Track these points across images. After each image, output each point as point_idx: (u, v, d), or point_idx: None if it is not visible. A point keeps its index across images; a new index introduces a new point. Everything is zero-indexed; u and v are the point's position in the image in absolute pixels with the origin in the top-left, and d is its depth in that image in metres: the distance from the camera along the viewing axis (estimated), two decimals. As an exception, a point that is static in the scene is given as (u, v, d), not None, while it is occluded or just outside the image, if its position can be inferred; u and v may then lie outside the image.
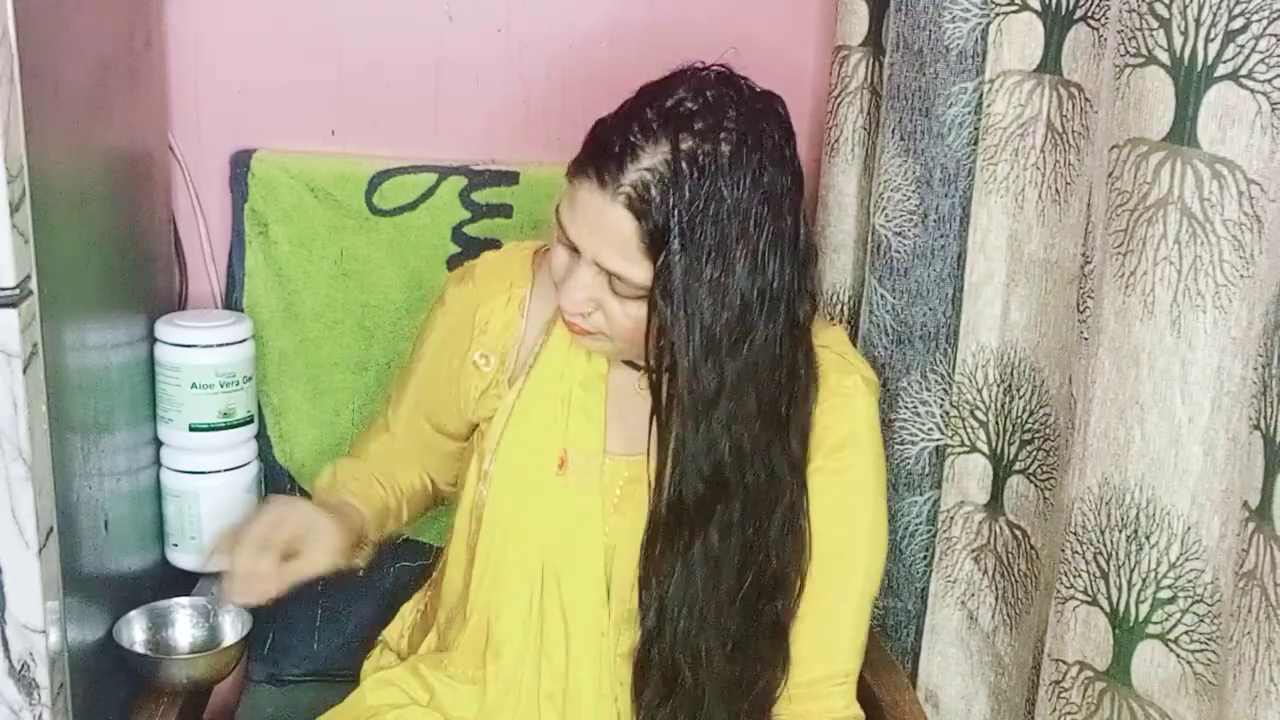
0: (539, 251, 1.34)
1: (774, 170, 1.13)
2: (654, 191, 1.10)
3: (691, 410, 1.16)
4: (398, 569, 1.67)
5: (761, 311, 1.15)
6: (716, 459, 1.18)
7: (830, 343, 1.29)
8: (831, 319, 1.67)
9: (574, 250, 1.16)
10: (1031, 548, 1.45)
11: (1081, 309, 1.27)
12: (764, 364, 1.17)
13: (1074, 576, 1.26)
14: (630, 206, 1.11)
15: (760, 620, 1.24)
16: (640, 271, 1.13)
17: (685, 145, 1.10)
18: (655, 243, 1.11)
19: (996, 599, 1.52)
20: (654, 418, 1.20)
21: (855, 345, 1.58)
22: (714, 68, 1.17)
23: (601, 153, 1.12)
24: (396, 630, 1.47)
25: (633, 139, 1.11)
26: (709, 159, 1.10)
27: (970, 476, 1.52)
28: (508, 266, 1.33)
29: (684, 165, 1.10)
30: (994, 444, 1.49)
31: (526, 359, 1.31)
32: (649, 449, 1.21)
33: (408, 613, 1.47)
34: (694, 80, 1.15)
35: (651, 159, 1.10)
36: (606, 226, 1.12)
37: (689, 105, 1.12)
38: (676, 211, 1.10)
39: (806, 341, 1.23)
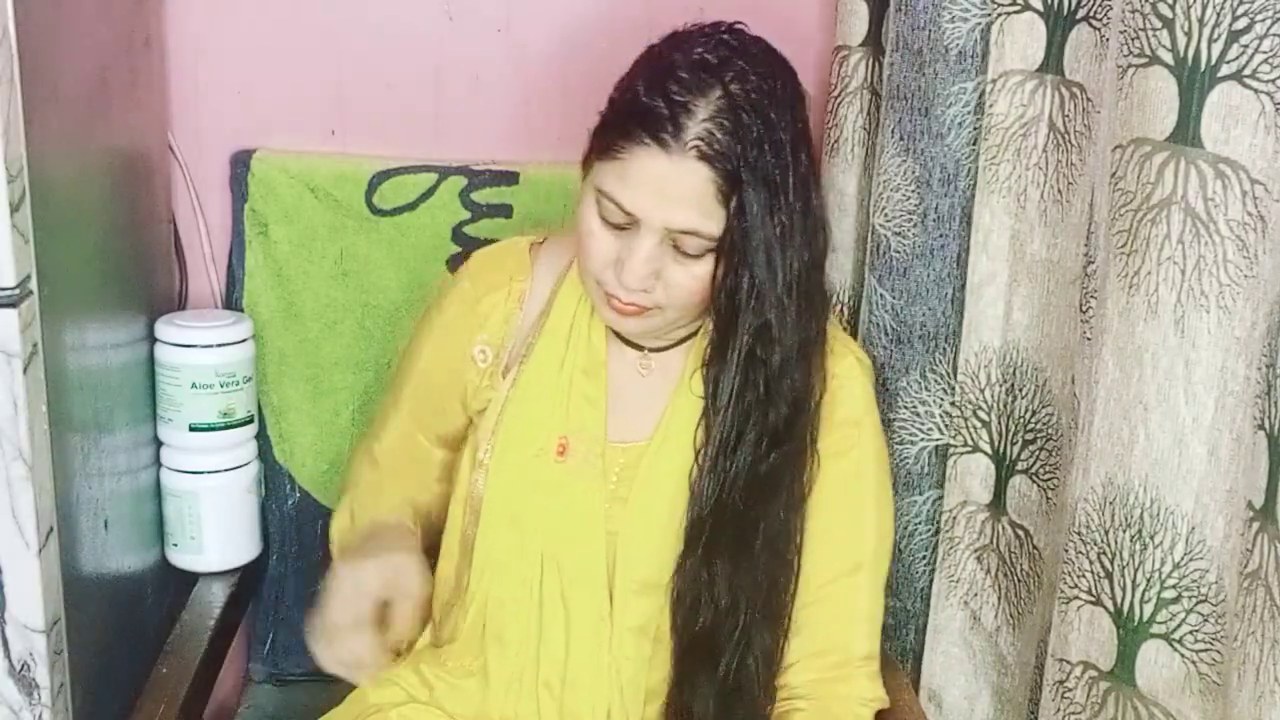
0: (535, 245, 1.35)
1: (798, 99, 1.19)
2: (721, 137, 1.13)
3: (777, 334, 1.20)
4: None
5: (811, 237, 1.20)
6: (795, 378, 1.22)
7: None
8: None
9: (620, 228, 1.18)
10: (1034, 547, 1.45)
11: (1084, 309, 1.27)
12: (817, 281, 1.23)
13: (1078, 576, 1.26)
14: (703, 158, 1.13)
15: (793, 530, 1.27)
16: (714, 223, 1.15)
17: (733, 88, 1.14)
18: (730, 188, 1.14)
19: (999, 599, 1.52)
20: (707, 368, 1.24)
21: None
22: (695, 26, 1.21)
23: (649, 119, 1.14)
24: None
25: (680, 97, 1.13)
26: (757, 95, 1.14)
27: (973, 476, 1.52)
28: (504, 260, 1.35)
29: (741, 106, 1.13)
30: (996, 444, 1.49)
31: (520, 349, 1.31)
32: (710, 401, 1.24)
33: None
34: (695, 37, 1.19)
35: (708, 109, 1.13)
36: (677, 186, 1.14)
37: (711, 57, 1.16)
38: (743, 152, 1.13)
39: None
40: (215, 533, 1.54)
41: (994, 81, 1.41)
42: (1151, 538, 1.19)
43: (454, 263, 1.63)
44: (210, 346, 1.50)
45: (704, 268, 1.18)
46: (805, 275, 1.20)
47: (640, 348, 1.31)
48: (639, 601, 1.29)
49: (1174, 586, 1.19)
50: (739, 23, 1.20)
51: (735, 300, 1.18)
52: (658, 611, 1.29)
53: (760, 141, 1.14)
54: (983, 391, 1.49)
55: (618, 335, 1.31)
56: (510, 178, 1.64)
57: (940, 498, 1.55)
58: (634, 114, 1.15)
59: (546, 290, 1.32)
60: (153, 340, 1.51)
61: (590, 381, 1.31)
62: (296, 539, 1.66)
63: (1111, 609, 1.23)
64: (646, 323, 1.24)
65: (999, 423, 1.49)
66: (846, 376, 1.30)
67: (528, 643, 1.31)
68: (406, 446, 1.39)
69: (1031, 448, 1.44)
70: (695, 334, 1.31)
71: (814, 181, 1.21)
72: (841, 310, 1.66)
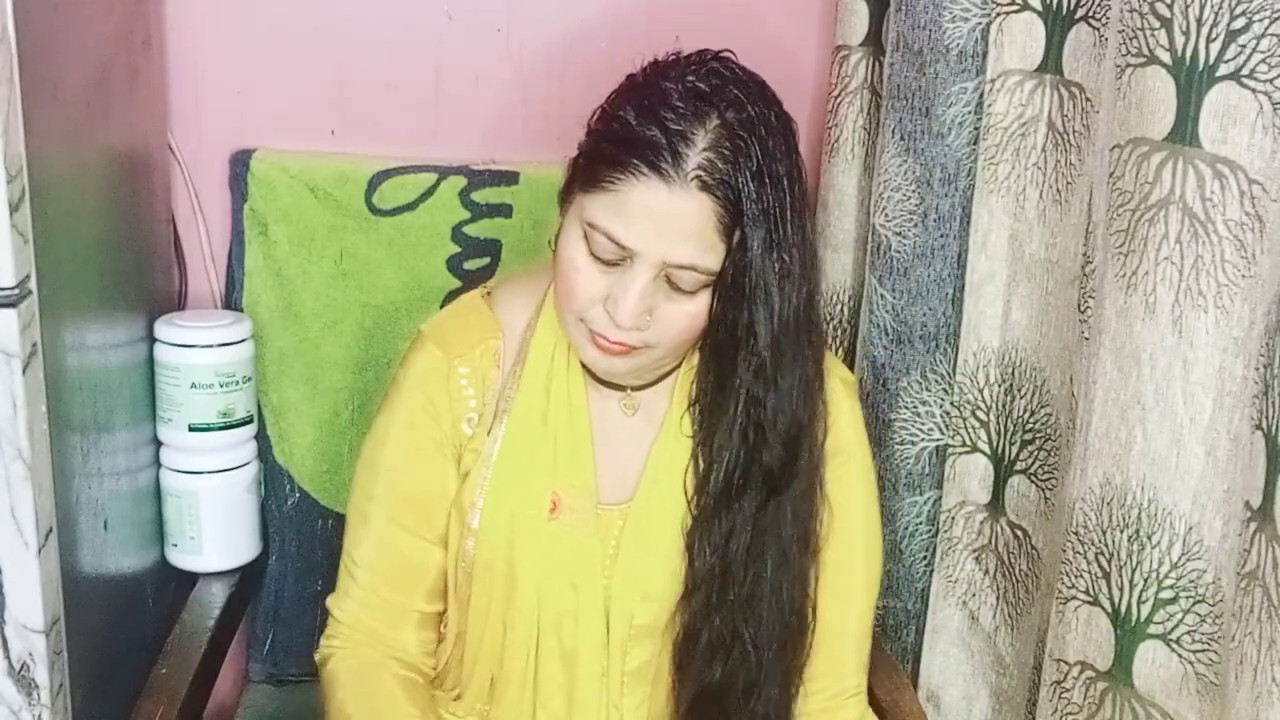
0: (487, 296, 1.30)
1: (790, 129, 1.15)
2: (722, 167, 1.08)
3: (772, 373, 1.16)
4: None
5: (809, 271, 1.16)
6: (792, 418, 1.19)
7: None
8: (831, 318, 1.68)
9: (610, 264, 1.13)
10: (1033, 548, 1.45)
11: (1083, 309, 1.27)
12: (814, 318, 1.19)
13: (1075, 576, 1.26)
14: (705, 189, 1.08)
15: (805, 578, 1.25)
16: (713, 257, 1.11)
17: (729, 116, 1.10)
18: (731, 220, 1.10)
19: (998, 599, 1.52)
20: (697, 407, 1.22)
21: (856, 345, 1.59)
22: (678, 55, 1.17)
23: (646, 148, 1.09)
24: None
25: (676, 126, 1.09)
26: (753, 123, 1.10)
27: (971, 476, 1.52)
28: (468, 321, 1.28)
29: (739, 134, 1.09)
30: (995, 444, 1.49)
31: (502, 406, 1.25)
32: (705, 442, 1.21)
33: None
34: (683, 66, 1.15)
35: (706, 139, 1.09)
36: (678, 218, 1.09)
37: (703, 85, 1.11)
38: (744, 181, 1.09)
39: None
40: (215, 533, 1.54)
41: (993, 81, 1.41)
42: (1149, 538, 1.19)
43: (454, 262, 1.63)
44: (210, 346, 1.50)
45: (697, 305, 1.14)
46: (803, 311, 1.16)
47: (622, 387, 1.27)
48: (637, 648, 1.27)
49: (1171, 587, 1.19)
50: (726, 50, 1.16)
51: (735, 337, 1.14)
52: (656, 653, 1.28)
53: (760, 172, 1.09)
54: (981, 391, 1.49)
55: (594, 377, 1.26)
56: (510, 178, 1.64)
57: (941, 498, 1.56)
58: (627, 143, 1.10)
59: (516, 340, 1.26)
60: (152, 340, 1.51)
61: (575, 432, 1.25)
62: (296, 539, 1.66)
63: (1109, 609, 1.23)
64: (632, 363, 1.19)
65: (997, 423, 1.49)
66: (831, 400, 1.26)
67: (525, 696, 1.28)
68: (395, 556, 1.27)
69: (1030, 448, 1.44)
70: (676, 369, 1.28)
71: (809, 215, 1.17)
72: (842, 310, 1.66)
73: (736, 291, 1.12)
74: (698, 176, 1.08)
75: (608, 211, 1.11)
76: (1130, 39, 1.16)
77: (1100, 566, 1.23)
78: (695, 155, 1.08)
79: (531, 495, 1.24)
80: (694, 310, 1.14)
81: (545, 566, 1.24)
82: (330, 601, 1.29)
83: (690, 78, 1.12)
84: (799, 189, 1.14)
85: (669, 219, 1.09)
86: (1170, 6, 1.11)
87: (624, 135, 1.11)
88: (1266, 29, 1.06)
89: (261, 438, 1.62)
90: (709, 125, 1.09)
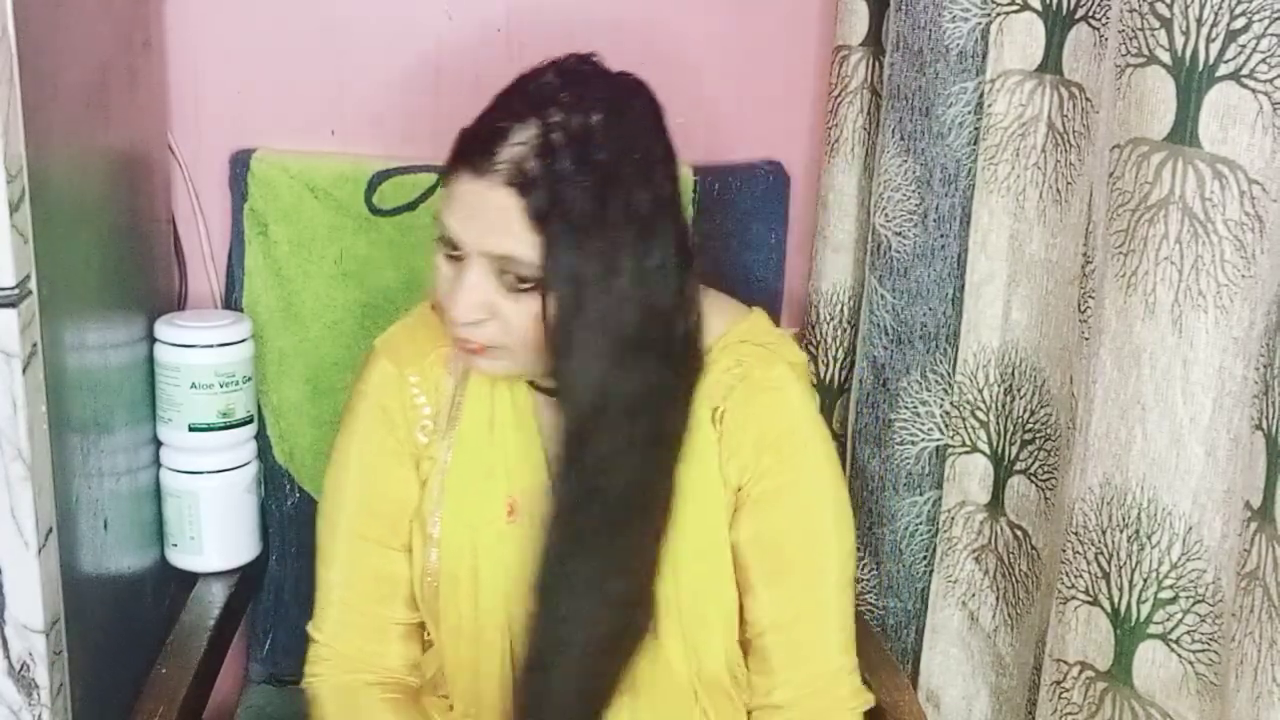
0: (437, 306, 1.29)
1: (646, 139, 1.15)
2: (530, 163, 1.09)
3: (589, 389, 1.14)
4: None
5: (649, 285, 1.13)
6: (614, 447, 1.16)
7: (749, 334, 1.26)
8: (831, 318, 1.68)
9: (456, 257, 1.14)
10: (1033, 548, 1.45)
11: (1083, 309, 1.27)
12: (658, 342, 1.16)
13: (1075, 576, 1.26)
14: (510, 182, 1.09)
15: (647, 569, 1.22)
16: (530, 248, 1.10)
17: (554, 118, 1.11)
18: (541, 216, 1.10)
19: (997, 599, 1.52)
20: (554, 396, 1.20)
21: (855, 345, 1.59)
22: (575, 55, 1.18)
23: (468, 145, 1.13)
24: None
25: (501, 124, 1.11)
26: (580, 128, 1.11)
27: (971, 476, 1.52)
28: (416, 332, 1.30)
29: (555, 135, 1.10)
30: (995, 444, 1.49)
31: (453, 414, 1.27)
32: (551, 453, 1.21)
33: None
34: (557, 65, 1.16)
35: (522, 135, 1.10)
36: (488, 209, 1.11)
37: (552, 83, 1.14)
38: (555, 181, 1.09)
39: (692, 311, 1.20)
40: (215, 533, 1.54)
41: (993, 81, 1.41)
42: (1149, 538, 1.19)
43: (454, 263, 1.63)
44: (210, 346, 1.50)
45: (535, 304, 1.13)
46: (638, 323, 1.13)
47: (548, 390, 1.25)
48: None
49: (1171, 587, 1.19)
50: (594, 54, 1.17)
51: (554, 342, 1.13)
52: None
53: (574, 175, 1.09)
54: (981, 392, 1.49)
55: (530, 383, 1.26)
56: (510, 178, 1.64)
57: (941, 498, 1.56)
58: (461, 140, 1.14)
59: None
60: (152, 340, 1.50)
61: (523, 435, 1.26)
62: (296, 539, 1.65)
63: (1109, 609, 1.23)
64: (499, 363, 1.18)
65: (997, 423, 1.49)
66: (778, 386, 1.24)
67: (506, 698, 1.27)
68: (367, 571, 1.29)
69: (1030, 448, 1.44)
70: None
71: (669, 228, 1.15)
72: (842, 310, 1.66)
73: (546, 290, 1.12)
74: (502, 170, 1.10)
75: (444, 207, 1.15)
76: (1130, 39, 1.16)
77: (1100, 566, 1.23)
78: (506, 150, 1.10)
79: (488, 501, 1.25)
80: (534, 310, 1.13)
81: (509, 570, 1.24)
82: (310, 627, 1.31)
83: (541, 78, 1.15)
84: (645, 199, 1.12)
85: (481, 209, 1.11)
86: (1170, 6, 1.12)
87: (464, 136, 1.15)
88: (1266, 29, 1.07)
89: (261, 438, 1.62)
90: (529, 123, 1.11)
